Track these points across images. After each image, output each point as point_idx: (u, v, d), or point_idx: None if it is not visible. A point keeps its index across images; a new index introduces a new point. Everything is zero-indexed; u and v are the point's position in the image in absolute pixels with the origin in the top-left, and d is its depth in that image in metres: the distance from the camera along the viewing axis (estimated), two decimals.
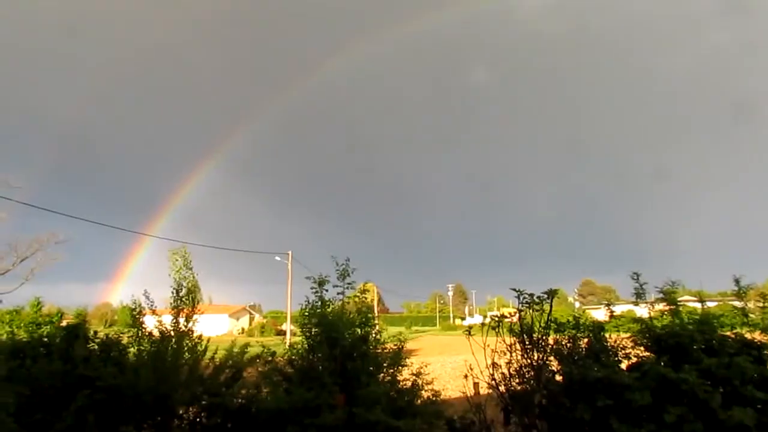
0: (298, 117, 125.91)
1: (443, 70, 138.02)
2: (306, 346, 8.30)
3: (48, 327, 10.27)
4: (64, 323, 10.28)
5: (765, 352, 7.09)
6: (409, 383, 8.21)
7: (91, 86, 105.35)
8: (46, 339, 9.16)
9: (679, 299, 7.87)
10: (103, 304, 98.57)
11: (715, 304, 8.55)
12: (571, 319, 7.95)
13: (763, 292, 8.53)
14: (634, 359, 7.57)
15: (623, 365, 7.50)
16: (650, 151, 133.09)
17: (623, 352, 7.64)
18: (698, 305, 8.20)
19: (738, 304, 8.19)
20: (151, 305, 8.87)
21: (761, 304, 8.26)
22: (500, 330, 8.00)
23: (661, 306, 7.95)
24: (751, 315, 8.03)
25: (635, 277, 8.00)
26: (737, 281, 7.98)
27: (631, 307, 8.55)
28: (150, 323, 8.57)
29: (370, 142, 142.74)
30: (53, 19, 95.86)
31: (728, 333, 7.38)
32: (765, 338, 7.23)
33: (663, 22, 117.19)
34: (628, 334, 7.87)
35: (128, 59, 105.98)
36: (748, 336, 7.35)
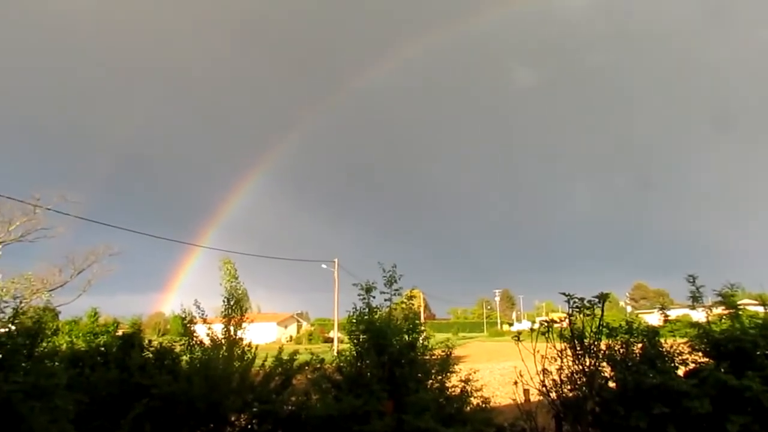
0: (343, 125, 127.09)
1: (487, 73, 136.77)
2: (354, 353, 8.32)
3: (104, 336, 10.61)
4: (119, 333, 10.61)
5: None
6: (457, 390, 8.14)
7: (145, 103, 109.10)
8: (103, 348, 9.45)
9: (738, 303, 7.55)
10: (156, 313, 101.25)
11: None
12: (623, 323, 7.73)
13: None
14: (692, 365, 7.31)
15: (680, 371, 7.26)
16: (704, 149, 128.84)
17: (680, 357, 7.37)
18: (760, 309, 7.84)
19: None
20: (202, 314, 9.06)
21: None
22: (550, 335, 7.85)
23: (719, 310, 7.64)
24: None
25: (691, 280, 7.73)
26: None
27: (686, 311, 8.24)
28: (201, 332, 8.75)
29: (416, 148, 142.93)
30: (109, 44, 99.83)
31: None
32: None
33: (712, 16, 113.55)
34: (685, 339, 7.60)
35: (176, 75, 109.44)
36: None
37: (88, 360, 8.90)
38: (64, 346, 9.81)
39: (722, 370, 6.79)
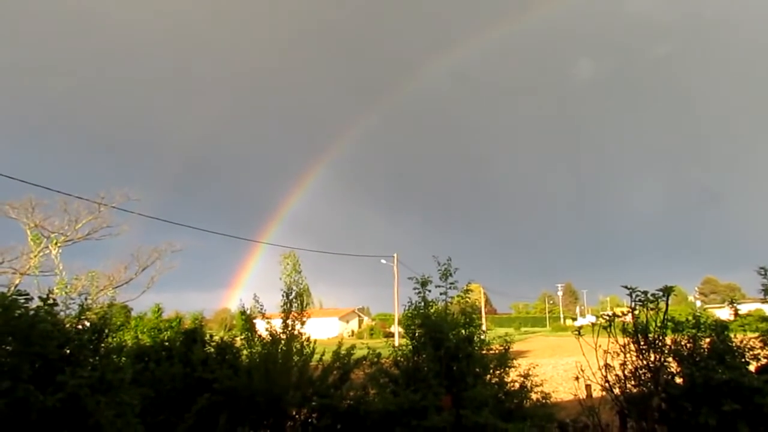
0: (405, 120, 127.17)
1: (551, 66, 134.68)
2: (411, 347, 8.31)
3: (168, 332, 10.86)
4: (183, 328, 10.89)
5: None
6: (517, 385, 8.05)
7: (209, 103, 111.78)
8: (167, 343, 9.69)
9: None
10: (222, 309, 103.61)
11: None
12: (690, 317, 7.47)
13: None
14: (764, 361, 7.03)
15: (751, 367, 6.98)
16: None
17: (751, 353, 7.10)
18: None
19: None
20: (261, 309, 9.21)
21: None
22: (612, 330, 7.65)
23: None
24: None
25: (763, 273, 7.41)
26: None
27: (759, 305, 7.91)
28: (262, 327, 8.90)
29: (476, 143, 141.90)
30: (172, 44, 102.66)
31: None
32: None
33: None
34: (757, 334, 7.30)
35: (243, 74, 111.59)
36: None
37: (152, 355, 9.15)
38: (130, 342, 10.07)
39: None
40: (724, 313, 8.42)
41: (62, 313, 6.82)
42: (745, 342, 7.18)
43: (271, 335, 8.75)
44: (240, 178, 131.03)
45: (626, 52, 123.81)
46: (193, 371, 8.52)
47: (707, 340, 7.22)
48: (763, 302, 7.53)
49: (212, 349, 9.31)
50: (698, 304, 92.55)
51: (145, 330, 11.26)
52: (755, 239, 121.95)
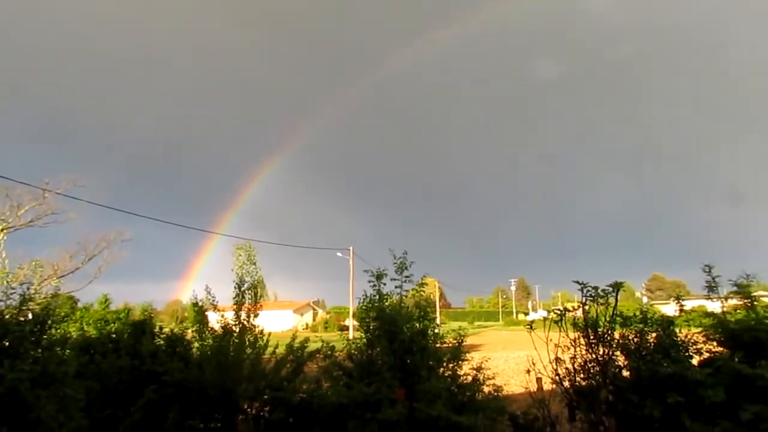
0: (362, 113, 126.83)
1: (510, 64, 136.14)
2: (365, 340, 8.30)
3: (116, 324, 10.58)
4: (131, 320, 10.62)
5: None
6: (470, 378, 8.12)
7: (164, 89, 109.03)
8: (114, 335, 9.46)
9: (753, 293, 7.51)
10: (173, 301, 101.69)
11: None
12: (638, 313, 7.69)
13: None
14: (707, 355, 7.29)
15: (695, 361, 7.24)
16: (722, 144, 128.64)
17: (695, 347, 7.35)
18: None
19: None
20: (213, 301, 9.05)
21: None
22: (563, 324, 7.82)
23: (734, 300, 7.61)
24: None
25: (707, 270, 7.67)
26: None
27: (702, 302, 8.21)
28: (213, 319, 8.75)
29: (434, 138, 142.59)
30: (131, 25, 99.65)
31: None
32: None
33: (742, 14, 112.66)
34: (700, 330, 7.56)
35: (200, 62, 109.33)
36: None
37: (99, 347, 8.92)
38: (74, 334, 9.77)
39: (736, 359, 6.77)
40: (669, 309, 8.70)
41: (2, 304, 6.57)
42: (689, 337, 7.42)
43: (223, 327, 8.62)
44: (196, 168, 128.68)
45: (585, 53, 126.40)
46: (141, 364, 8.34)
47: (654, 334, 7.43)
48: (707, 299, 7.82)
49: (162, 342, 9.13)
50: (645, 300, 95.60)
51: (91, 321, 10.97)
52: (701, 238, 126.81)
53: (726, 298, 7.68)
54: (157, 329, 9.44)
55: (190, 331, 9.14)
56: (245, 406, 8.24)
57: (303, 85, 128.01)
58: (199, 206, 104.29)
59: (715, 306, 7.74)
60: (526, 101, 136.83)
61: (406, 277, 8.52)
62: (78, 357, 8.14)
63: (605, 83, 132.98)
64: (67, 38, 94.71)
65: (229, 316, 8.73)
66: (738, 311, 7.49)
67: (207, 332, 8.63)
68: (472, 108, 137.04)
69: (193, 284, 72.89)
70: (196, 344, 8.78)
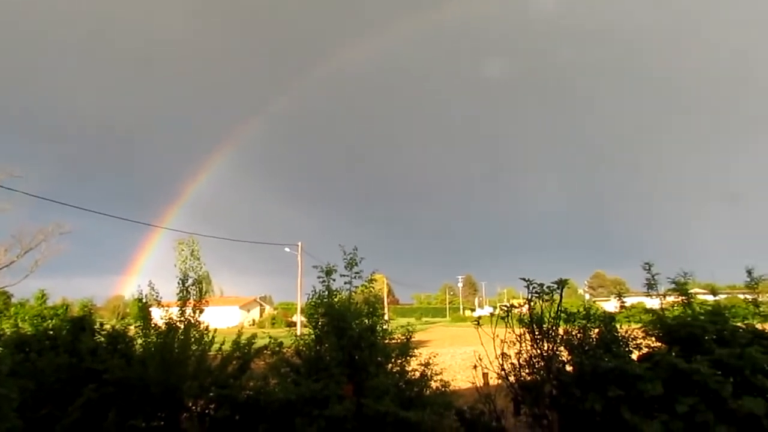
0: (310, 109, 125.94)
1: (456, 64, 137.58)
2: (313, 336, 8.25)
3: (54, 320, 10.18)
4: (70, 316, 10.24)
5: None
6: (418, 374, 8.17)
7: (103, 78, 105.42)
8: (51, 332, 9.11)
9: (690, 291, 7.82)
10: (115, 296, 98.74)
11: (725, 296, 8.50)
12: (581, 309, 7.91)
13: None
14: (646, 350, 7.56)
15: (634, 356, 7.48)
16: (662, 145, 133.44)
17: (634, 342, 7.62)
18: (710, 297, 8.17)
19: (748, 295, 8.13)
20: (157, 297, 8.82)
21: None
22: (510, 320, 7.96)
23: (672, 297, 7.91)
24: (762, 306, 7.97)
25: (647, 268, 7.95)
26: (749, 272, 7.93)
27: (641, 299, 8.51)
28: (157, 315, 8.53)
29: (382, 135, 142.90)
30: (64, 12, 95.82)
31: (740, 324, 7.34)
32: None
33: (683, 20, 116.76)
34: (640, 325, 7.84)
35: (139, 52, 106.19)
36: (759, 327, 7.31)
37: (34, 344, 8.55)
38: (8, 331, 9.35)
39: (673, 354, 7.01)
40: (610, 306, 8.98)
41: None
42: (629, 332, 7.68)
43: (167, 323, 8.41)
44: (139, 160, 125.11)
45: (533, 55, 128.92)
46: (80, 362, 8.04)
47: (596, 330, 7.67)
48: (646, 296, 8.11)
49: (103, 338, 8.83)
50: (587, 297, 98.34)
51: (26, 318, 10.53)
52: (640, 237, 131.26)
53: (664, 296, 7.99)
54: (97, 326, 9.13)
55: (133, 327, 8.89)
56: (190, 404, 8.06)
57: (252, 78, 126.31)
58: (143, 199, 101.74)
59: (654, 303, 8.03)
60: (474, 101, 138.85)
61: (356, 273, 8.51)
62: (12, 355, 7.82)
63: (550, 85, 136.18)
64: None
65: (174, 312, 8.53)
66: (675, 308, 7.79)
67: (151, 328, 8.40)
68: (422, 107, 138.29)
69: (136, 279, 70.98)
70: (139, 341, 8.54)
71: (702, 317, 7.35)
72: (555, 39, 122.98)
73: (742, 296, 8.38)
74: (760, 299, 7.97)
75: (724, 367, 6.64)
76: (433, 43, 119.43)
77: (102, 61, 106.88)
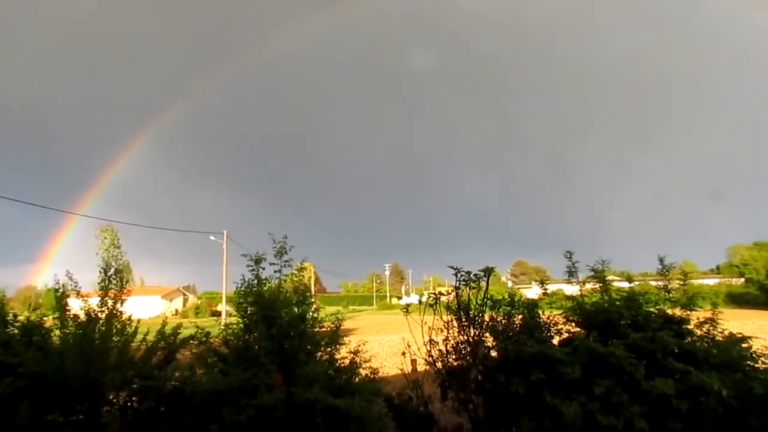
0: (236, 95, 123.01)
1: (383, 53, 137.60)
2: (242, 325, 8.14)
3: None
4: None
5: (685, 326, 7.47)
6: (347, 361, 8.20)
7: (15, 56, 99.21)
8: None
9: (607, 278, 8.19)
10: (26, 287, 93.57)
11: (639, 283, 8.95)
12: (506, 296, 8.15)
13: (684, 271, 9.03)
14: (566, 335, 7.86)
15: (555, 341, 7.77)
16: (579, 139, 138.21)
17: (555, 328, 7.92)
18: (625, 284, 8.59)
19: (660, 282, 8.59)
20: (76, 286, 8.47)
21: (681, 282, 8.77)
22: (438, 308, 8.11)
23: (591, 284, 8.26)
24: (672, 292, 8.43)
25: (568, 256, 8.27)
26: (661, 260, 8.37)
27: (562, 286, 8.86)
28: (76, 306, 8.19)
29: (309, 123, 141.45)
30: None
31: (652, 309, 7.73)
32: (685, 314, 7.60)
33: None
34: (561, 312, 8.14)
35: (54, 30, 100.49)
36: (670, 312, 7.72)
37: None
38: None
39: (592, 338, 7.31)
40: (532, 293, 9.30)
41: None
42: (551, 318, 7.99)
43: (87, 314, 8.09)
44: (54, 144, 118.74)
45: (459, 47, 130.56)
46: None
47: (520, 316, 7.93)
48: (567, 283, 8.45)
49: (16, 330, 8.40)
50: (510, 284, 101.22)
51: None
52: (561, 226, 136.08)
53: (584, 283, 8.34)
54: (10, 317, 8.68)
55: (49, 318, 8.49)
56: (111, 397, 7.81)
57: (176, 65, 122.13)
58: (58, 185, 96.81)
59: (574, 290, 8.37)
60: (402, 89, 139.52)
61: (286, 261, 8.46)
62: None
63: (473, 76, 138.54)
64: None
65: (94, 302, 8.21)
66: (594, 294, 8.15)
67: (69, 320, 8.06)
68: (348, 96, 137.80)
69: (50, 268, 67.60)
70: (57, 333, 8.18)
71: (618, 303, 7.69)
72: (478, 32, 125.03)
73: (654, 283, 8.83)
74: (670, 286, 8.44)
75: (637, 350, 6.98)
76: (359, 31, 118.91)
77: (13, 43, 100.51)
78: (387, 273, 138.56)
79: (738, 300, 62.80)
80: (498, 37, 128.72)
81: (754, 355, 7.21)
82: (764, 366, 7.13)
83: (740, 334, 7.52)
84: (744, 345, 7.30)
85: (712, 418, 6.48)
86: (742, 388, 6.54)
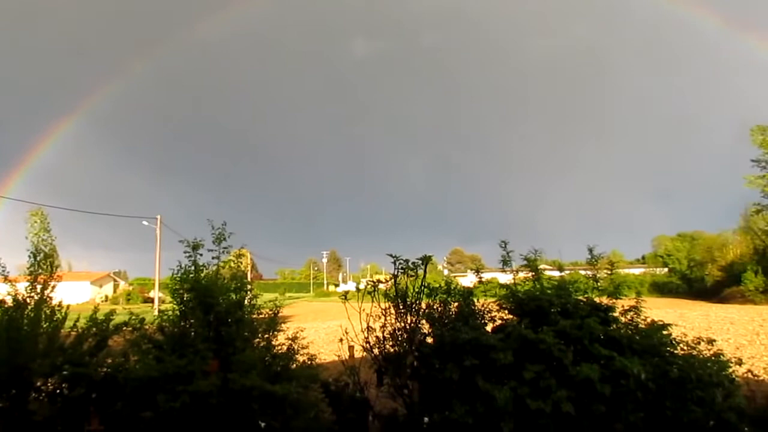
0: (169, 77, 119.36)
1: (323, 39, 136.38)
2: (178, 312, 8.04)
3: None
4: None
5: (611, 314, 7.79)
6: (284, 348, 8.23)
7: None
8: None
9: (539, 267, 8.46)
10: None
11: (569, 272, 9.29)
12: (443, 284, 8.32)
13: (611, 261, 9.42)
14: (499, 322, 8.07)
15: (489, 327, 7.97)
16: (518, 126, 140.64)
17: (489, 315, 8.11)
18: (556, 273, 8.90)
19: (589, 272, 8.93)
20: (3, 271, 8.18)
21: (609, 272, 9.14)
22: (376, 295, 8.21)
23: (523, 273, 8.52)
24: (600, 281, 8.79)
25: (503, 245, 8.50)
26: (591, 250, 8.70)
27: (496, 274, 9.09)
28: (2, 290, 7.91)
29: (244, 106, 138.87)
30: None
31: (581, 297, 8.04)
32: (611, 302, 7.93)
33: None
34: (495, 299, 8.36)
35: None
36: (597, 300, 8.04)
37: None
38: None
39: (523, 325, 7.53)
40: (467, 281, 9.51)
41: None
42: (485, 306, 8.19)
43: (14, 300, 7.83)
44: None
45: (399, 37, 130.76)
46: None
47: (456, 304, 8.12)
48: (501, 271, 8.69)
49: None
50: (446, 272, 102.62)
51: None
52: (496, 217, 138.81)
53: (517, 271, 8.59)
54: None
55: None
56: (39, 384, 7.59)
57: (108, 44, 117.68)
58: None
59: (507, 278, 8.61)
60: (343, 76, 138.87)
61: (224, 248, 8.39)
62: None
63: (418, 67, 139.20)
64: None
65: (21, 287, 7.95)
66: (526, 283, 8.41)
67: None
68: (284, 77, 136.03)
69: None
70: None
71: (549, 291, 7.95)
72: (421, 22, 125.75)
73: (583, 272, 9.18)
74: (598, 275, 8.79)
75: (566, 336, 7.23)
76: (299, 14, 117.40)
77: None
78: (324, 260, 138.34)
79: (661, 289, 65.73)
80: (441, 28, 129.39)
81: (673, 342, 7.60)
82: (682, 352, 7.53)
83: (661, 321, 7.90)
84: (664, 332, 7.68)
85: (632, 401, 6.81)
86: (660, 372, 6.91)
